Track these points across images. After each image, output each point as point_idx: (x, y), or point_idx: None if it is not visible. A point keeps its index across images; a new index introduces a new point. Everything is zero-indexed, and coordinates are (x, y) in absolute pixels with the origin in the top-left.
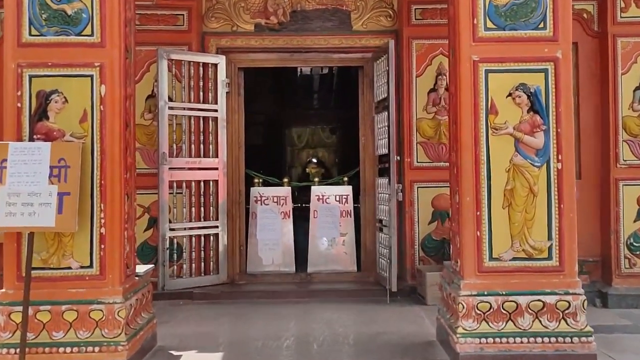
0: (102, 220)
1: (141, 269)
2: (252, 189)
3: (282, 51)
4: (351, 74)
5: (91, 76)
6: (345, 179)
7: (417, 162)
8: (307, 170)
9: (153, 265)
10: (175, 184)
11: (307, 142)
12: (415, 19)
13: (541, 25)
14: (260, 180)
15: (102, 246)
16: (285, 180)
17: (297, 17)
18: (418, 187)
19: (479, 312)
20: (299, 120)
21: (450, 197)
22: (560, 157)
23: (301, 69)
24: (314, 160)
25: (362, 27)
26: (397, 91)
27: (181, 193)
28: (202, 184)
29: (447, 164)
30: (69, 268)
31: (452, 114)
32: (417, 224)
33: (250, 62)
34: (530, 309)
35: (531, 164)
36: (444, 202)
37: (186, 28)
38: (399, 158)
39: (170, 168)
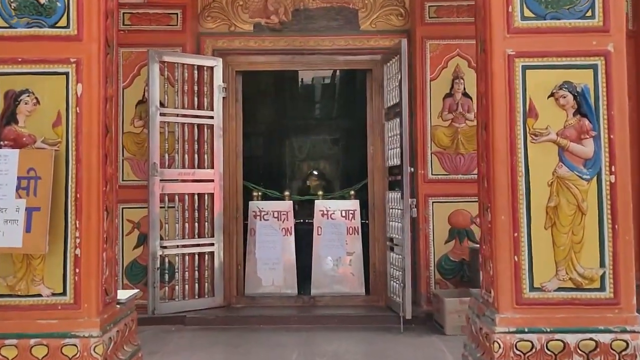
0: (77, 240)
1: (124, 294)
2: (250, 203)
3: (284, 53)
4: (355, 82)
5: (66, 74)
6: (352, 192)
7: (432, 174)
8: (308, 182)
9: (138, 290)
10: (167, 197)
11: (308, 153)
12: (430, 18)
13: (589, 13)
14: (260, 194)
15: (77, 270)
16: (287, 193)
17: (300, 16)
18: (433, 202)
19: (518, 352)
20: (300, 131)
21: (479, 215)
22: (613, 169)
23: (302, 79)
24: (315, 172)
25: (371, 26)
26: (410, 96)
27: (173, 207)
28: (196, 197)
29: (466, 176)
30: (39, 295)
31: (481, 118)
32: (432, 243)
33: (248, 65)
34: (580, 349)
35: (579, 176)
36: (462, 219)
37: (180, 28)
38: (412, 170)
39: (161, 180)
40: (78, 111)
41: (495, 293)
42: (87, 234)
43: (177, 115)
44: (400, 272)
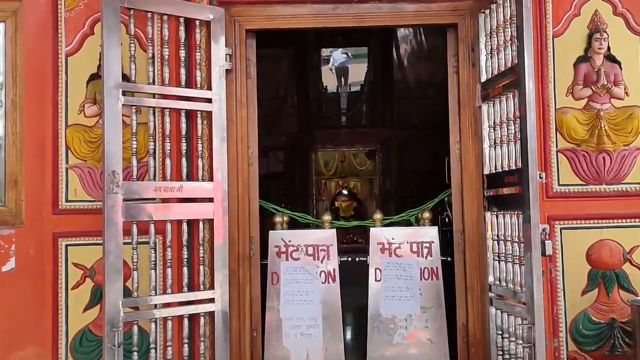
0: None
1: None
2: (271, 233)
3: (319, 2)
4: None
5: None
6: (427, 214)
7: (559, 184)
8: (336, 204)
9: None
10: (135, 227)
11: (336, 169)
12: None
13: None
14: (285, 219)
15: None
16: (327, 218)
17: None
18: (561, 229)
19: None
20: (327, 143)
21: None
22: None
23: (326, 87)
24: (344, 192)
25: None
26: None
27: (147, 243)
28: (185, 226)
29: (614, 187)
30: None
31: None
32: (562, 294)
33: (265, 21)
34: None
35: None
36: (609, 256)
37: None
38: (542, 177)
39: (126, 199)
40: None
41: None
42: None
43: (153, 95)
44: (527, 348)
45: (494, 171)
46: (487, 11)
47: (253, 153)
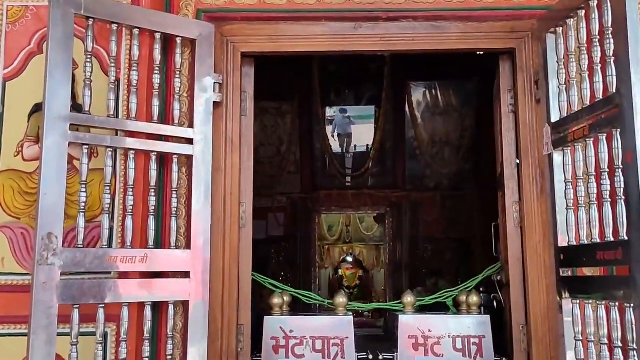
0: None
1: None
2: (267, 319)
3: (337, 19)
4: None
5: None
6: (474, 298)
7: None
8: (340, 272)
9: None
10: (77, 313)
11: (340, 234)
12: None
13: None
14: (286, 301)
15: None
16: (341, 300)
17: None
18: None
19: None
20: (332, 205)
21: None
22: None
23: (331, 146)
24: (349, 259)
25: None
26: None
27: (93, 334)
28: (148, 311)
29: None
30: None
31: None
32: None
33: (267, 42)
34: None
35: None
36: None
37: None
38: None
39: (67, 273)
40: None
41: None
42: None
43: (116, 133)
44: None
45: (575, 243)
46: (560, 29)
47: (246, 212)
